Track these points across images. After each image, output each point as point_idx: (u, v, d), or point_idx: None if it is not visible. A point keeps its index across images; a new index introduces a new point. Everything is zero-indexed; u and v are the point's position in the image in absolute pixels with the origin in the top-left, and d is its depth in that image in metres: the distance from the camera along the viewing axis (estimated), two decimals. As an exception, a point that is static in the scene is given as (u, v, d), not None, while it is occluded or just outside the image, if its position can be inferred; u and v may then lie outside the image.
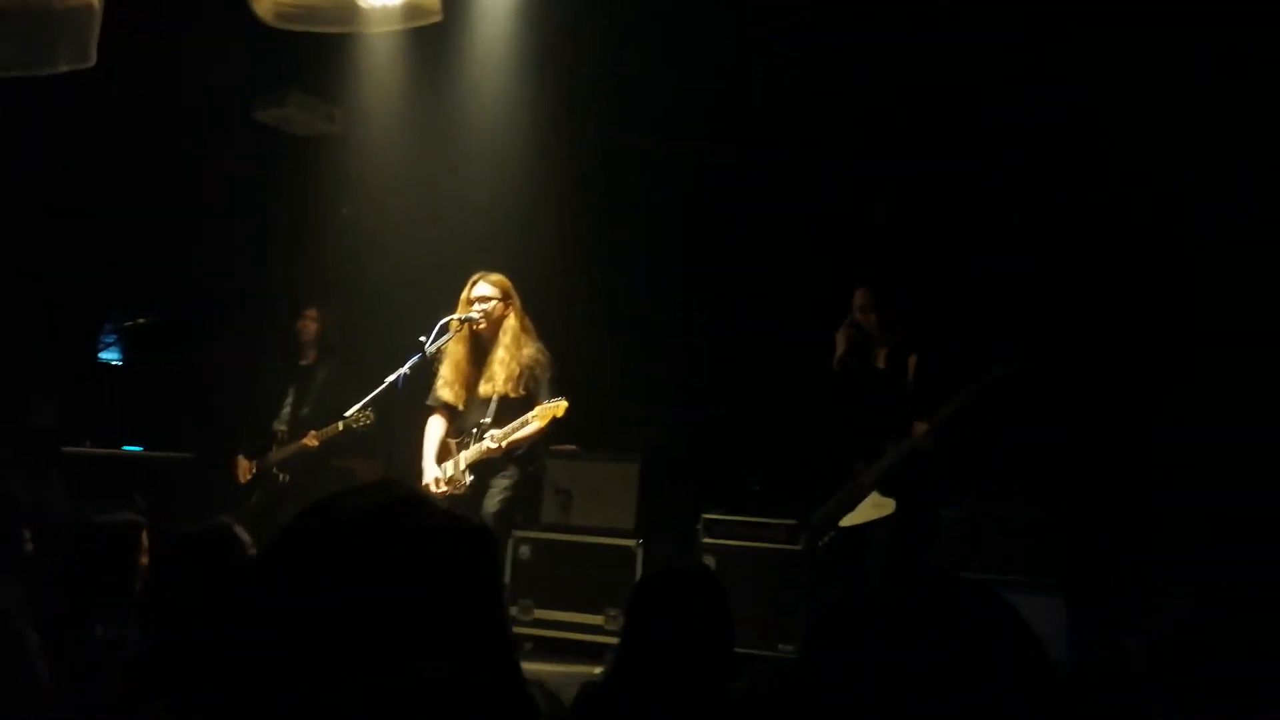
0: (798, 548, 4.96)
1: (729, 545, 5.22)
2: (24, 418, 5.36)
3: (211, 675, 0.94)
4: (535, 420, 4.14)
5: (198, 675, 1.56)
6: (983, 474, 4.73)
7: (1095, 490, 4.66)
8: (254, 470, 5.41)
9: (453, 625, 0.93)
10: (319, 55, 5.63)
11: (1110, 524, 4.53)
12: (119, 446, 5.63)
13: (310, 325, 5.52)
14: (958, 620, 1.02)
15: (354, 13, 4.30)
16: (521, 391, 4.26)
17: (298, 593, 0.93)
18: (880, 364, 4.22)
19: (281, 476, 5.32)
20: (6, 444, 5.14)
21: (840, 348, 4.23)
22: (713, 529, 5.29)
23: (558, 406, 4.13)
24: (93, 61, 3.93)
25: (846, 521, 4.12)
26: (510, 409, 4.25)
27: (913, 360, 4.15)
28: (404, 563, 0.93)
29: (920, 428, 3.92)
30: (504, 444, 4.17)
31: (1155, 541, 4.22)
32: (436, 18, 4.51)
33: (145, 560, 2.53)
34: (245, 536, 2.07)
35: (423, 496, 1.04)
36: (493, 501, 4.27)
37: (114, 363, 6.55)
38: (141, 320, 5.96)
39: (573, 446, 5.55)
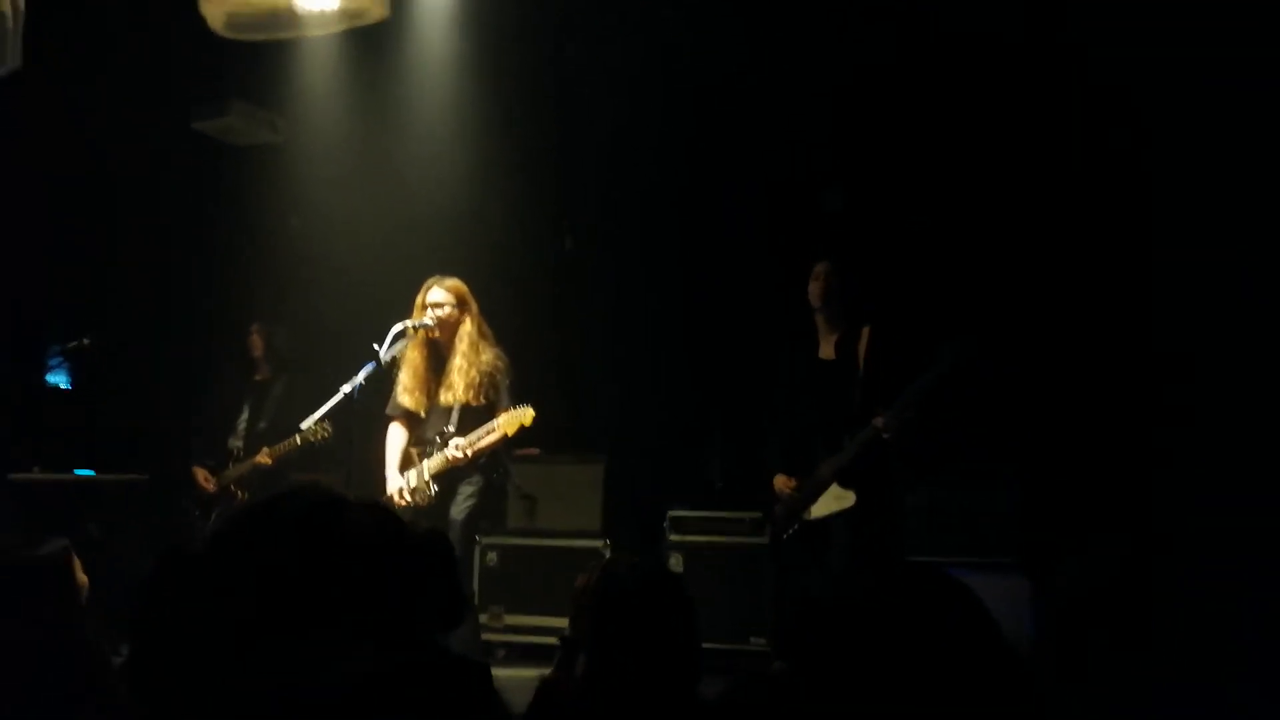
0: (764, 541, 4.97)
1: (696, 541, 5.23)
2: None
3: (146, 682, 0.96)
4: (501, 429, 4.11)
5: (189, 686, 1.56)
6: (942, 459, 4.77)
7: (1053, 468, 4.72)
8: (213, 482, 5.31)
9: (380, 626, 0.94)
10: (258, 63, 5.53)
11: (1068, 500, 4.59)
12: (69, 471, 5.50)
13: (257, 341, 5.42)
14: (918, 607, 1.06)
15: (298, 18, 4.22)
16: (483, 400, 4.22)
17: (222, 597, 0.95)
18: (829, 353, 4.21)
19: (240, 494, 5.22)
20: None
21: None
22: (679, 526, 5.29)
23: (524, 414, 4.10)
24: (19, 63, 3.82)
25: (810, 514, 4.12)
26: (472, 417, 4.20)
27: (863, 346, 4.13)
28: (324, 566, 0.95)
29: (879, 420, 3.93)
30: (469, 452, 4.13)
31: (1113, 518, 4.29)
32: (383, 14, 4.43)
33: (83, 580, 2.51)
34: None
35: (343, 499, 1.05)
36: (458, 509, 4.23)
37: (60, 385, 6.39)
38: (85, 341, 5.80)
39: (535, 450, 5.52)
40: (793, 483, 4.09)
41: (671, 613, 2.08)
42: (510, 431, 4.13)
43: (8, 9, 3.64)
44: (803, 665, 1.07)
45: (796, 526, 4.13)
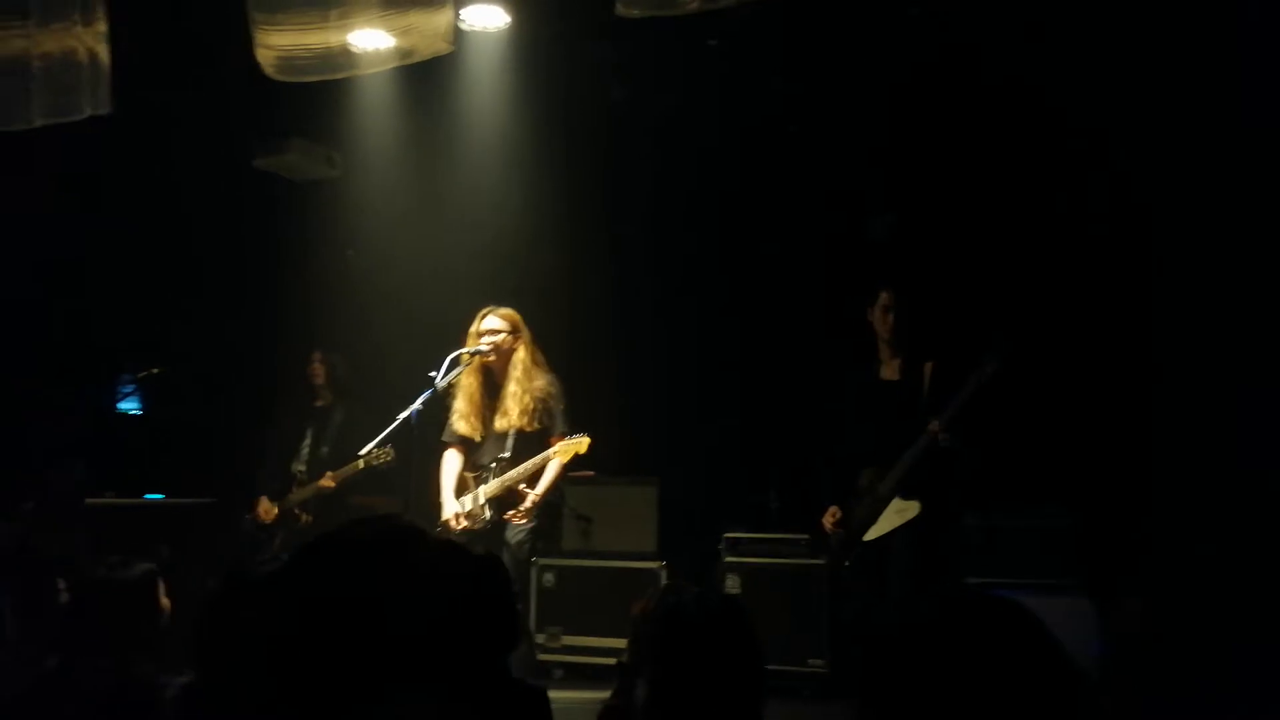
0: (820, 562, 4.95)
1: (752, 563, 5.23)
2: (49, 472, 5.42)
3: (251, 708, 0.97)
4: (557, 457, 4.18)
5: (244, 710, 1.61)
6: (1001, 476, 4.73)
7: (1113, 488, 4.65)
8: (276, 511, 5.45)
9: (451, 658, 0.95)
10: (315, 100, 5.70)
11: (1129, 521, 4.52)
12: (140, 495, 5.68)
13: (319, 369, 5.57)
14: (983, 636, 1.06)
15: (352, 58, 4.34)
16: (536, 425, 4.29)
17: (298, 624, 0.96)
18: (891, 375, 4.22)
19: (304, 517, 5.36)
20: (34, 499, 5.19)
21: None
22: (735, 547, 5.29)
23: (579, 443, 4.17)
24: (110, 108, 4.05)
25: (870, 535, 4.11)
26: (527, 442, 4.28)
27: (928, 368, 4.14)
28: (402, 596, 0.96)
29: (934, 425, 3.93)
30: (538, 498, 4.20)
31: (1171, 536, 4.22)
32: (438, 49, 4.48)
33: (166, 604, 2.60)
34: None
35: (420, 530, 1.06)
36: (513, 533, 4.30)
37: (132, 412, 6.61)
38: (155, 370, 6.01)
39: (590, 473, 5.57)
40: (838, 514, 4.10)
41: (738, 644, 2.09)
42: (565, 459, 4.20)
43: (102, 56, 3.85)
44: (871, 698, 1.07)
45: (858, 550, 4.11)
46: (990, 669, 1.03)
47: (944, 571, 4.02)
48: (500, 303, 4.49)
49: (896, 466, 4.02)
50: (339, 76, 4.38)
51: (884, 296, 4.17)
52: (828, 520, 4.14)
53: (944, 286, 4.94)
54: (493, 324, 4.39)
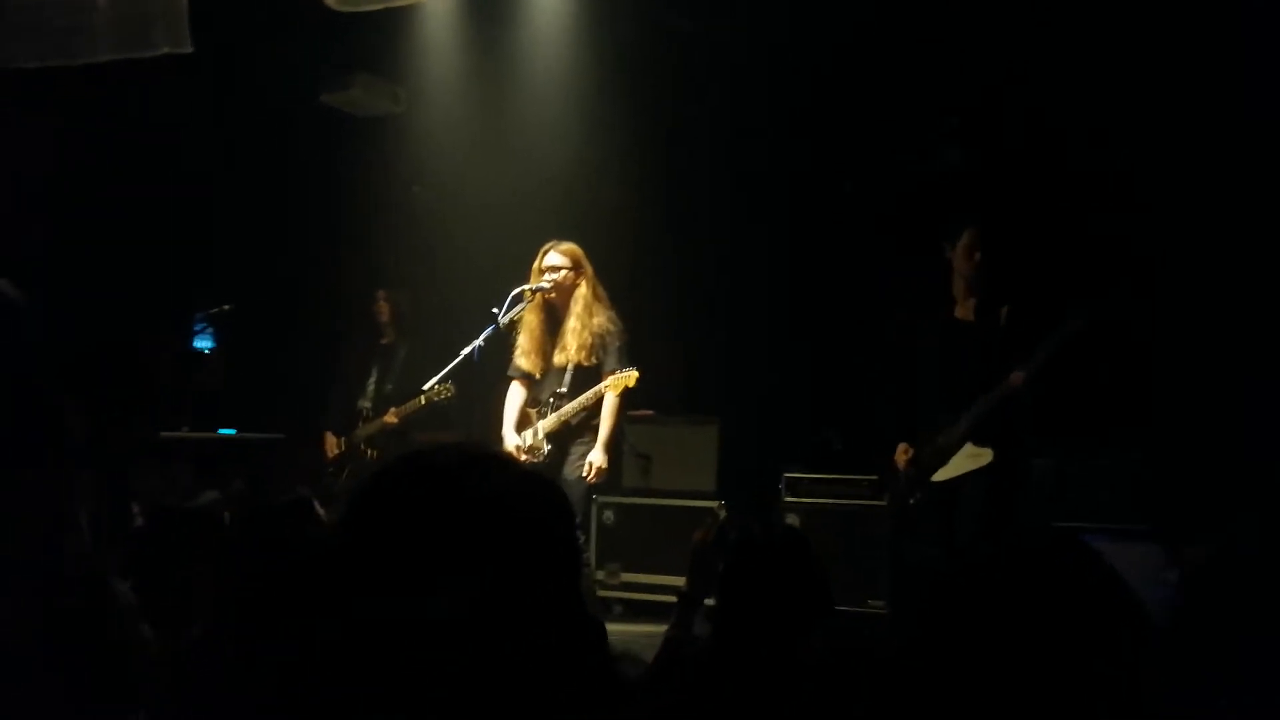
0: (882, 503, 4.90)
1: (812, 504, 5.20)
2: (139, 406, 5.57)
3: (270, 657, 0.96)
4: (609, 391, 4.18)
5: (257, 656, 1.60)
6: (1075, 418, 4.60)
7: (1186, 434, 4.50)
8: (341, 447, 5.56)
9: (526, 585, 0.94)
10: (379, 35, 5.68)
11: (1201, 466, 4.37)
12: (215, 430, 5.84)
13: (384, 307, 5.63)
14: (1053, 576, 1.03)
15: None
16: (594, 361, 4.29)
17: (380, 542, 0.95)
18: (966, 314, 4.10)
19: (369, 453, 5.46)
20: (116, 435, 5.36)
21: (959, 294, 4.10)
22: (795, 488, 5.27)
23: (629, 376, 4.17)
24: (190, 47, 4.01)
25: (939, 476, 4.04)
26: (585, 377, 4.28)
27: (1005, 311, 4.01)
28: (482, 516, 0.95)
29: (1017, 376, 3.83)
30: (605, 439, 4.22)
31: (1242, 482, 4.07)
32: None
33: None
34: (321, 511, 2.11)
35: (499, 454, 1.04)
36: (572, 468, 4.32)
37: (206, 349, 6.77)
38: (227, 307, 6.13)
39: (649, 411, 5.57)
40: (910, 452, 4.03)
41: (803, 573, 2.08)
42: (616, 392, 4.20)
43: None
44: (931, 638, 1.05)
45: (923, 491, 4.05)
46: (1054, 609, 1.00)
47: (1014, 518, 3.94)
48: (563, 238, 4.46)
49: (972, 411, 3.93)
50: (399, 4, 4.33)
51: (969, 234, 4.03)
52: (900, 457, 4.08)
53: (1027, 229, 4.76)
54: (555, 260, 4.37)
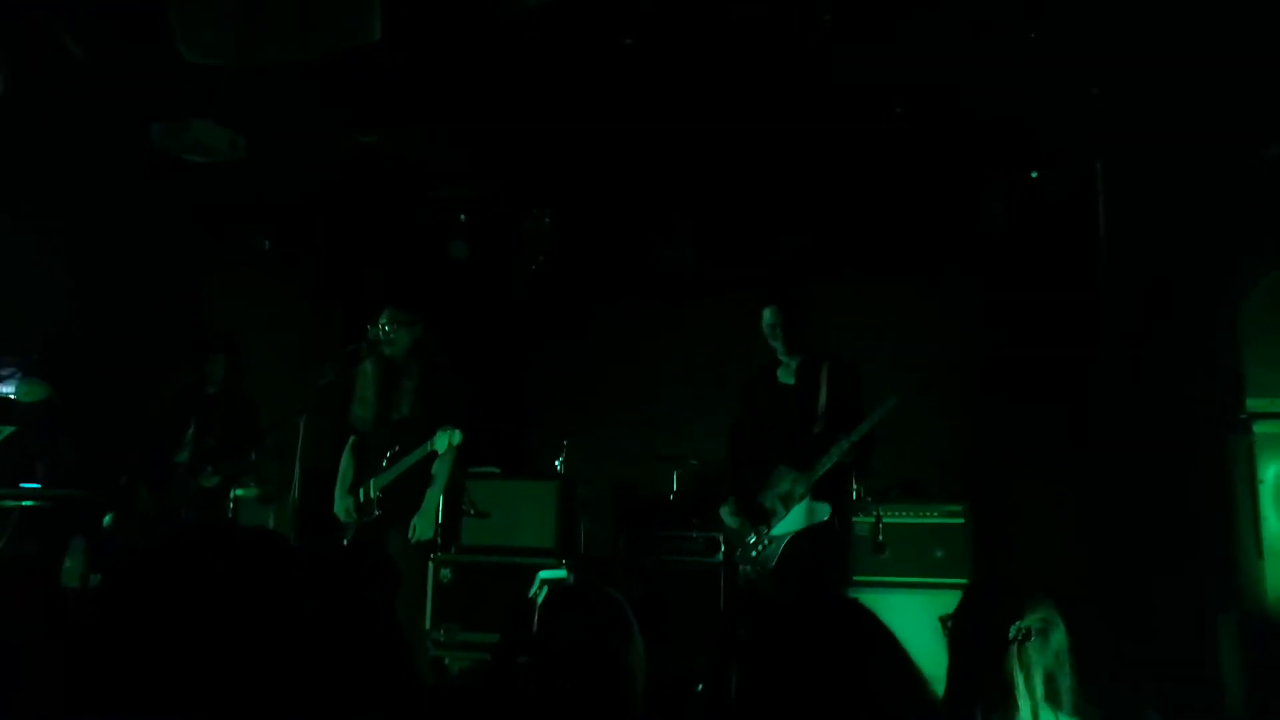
0: (717, 560, 4.99)
1: (651, 561, 5.24)
2: None
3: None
4: (435, 449, 4.13)
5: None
6: (890, 484, 4.87)
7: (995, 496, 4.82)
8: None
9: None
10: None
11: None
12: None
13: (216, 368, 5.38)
14: (841, 630, 1.19)
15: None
16: (425, 417, 4.24)
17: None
18: (788, 378, 4.26)
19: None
20: None
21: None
22: (634, 546, 5.30)
23: (452, 434, 4.13)
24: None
25: (777, 530, 4.17)
26: (415, 434, 4.22)
27: (824, 377, 4.19)
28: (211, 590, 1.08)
29: (843, 440, 4.02)
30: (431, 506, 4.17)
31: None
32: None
33: None
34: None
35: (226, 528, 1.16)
36: (406, 528, 4.22)
37: (11, 397, 6.29)
38: (35, 356, 5.74)
39: (495, 469, 5.53)
40: (750, 506, 4.16)
41: (610, 632, 2.08)
42: (440, 450, 4.16)
43: None
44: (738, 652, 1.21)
45: (763, 545, 4.16)
46: (842, 658, 1.17)
47: (837, 565, 4.11)
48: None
49: (809, 471, 4.08)
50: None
51: (765, 313, 4.23)
52: (737, 513, 4.18)
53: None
54: (392, 319, 4.32)
